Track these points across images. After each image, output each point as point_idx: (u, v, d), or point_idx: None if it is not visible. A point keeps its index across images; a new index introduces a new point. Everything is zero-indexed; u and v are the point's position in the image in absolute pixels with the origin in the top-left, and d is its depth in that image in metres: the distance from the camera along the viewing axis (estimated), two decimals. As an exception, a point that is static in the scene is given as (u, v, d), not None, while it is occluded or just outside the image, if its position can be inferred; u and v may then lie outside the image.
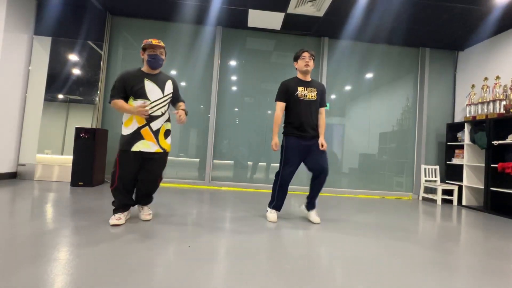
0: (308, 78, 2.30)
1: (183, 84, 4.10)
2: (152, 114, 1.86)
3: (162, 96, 1.90)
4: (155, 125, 1.87)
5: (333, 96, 4.24)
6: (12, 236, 1.56)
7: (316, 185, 2.27)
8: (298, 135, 2.21)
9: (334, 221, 2.40)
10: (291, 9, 3.43)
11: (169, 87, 1.96)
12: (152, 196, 2.10)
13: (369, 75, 4.30)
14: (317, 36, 4.17)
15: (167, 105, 1.95)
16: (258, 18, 3.71)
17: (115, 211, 1.94)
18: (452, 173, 3.96)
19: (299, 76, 2.30)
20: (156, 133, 1.88)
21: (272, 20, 3.74)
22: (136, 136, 1.84)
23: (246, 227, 2.04)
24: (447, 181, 3.97)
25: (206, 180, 3.95)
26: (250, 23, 3.89)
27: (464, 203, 3.67)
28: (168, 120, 2.00)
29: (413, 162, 4.26)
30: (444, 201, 3.89)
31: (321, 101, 2.31)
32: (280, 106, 2.26)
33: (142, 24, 4.01)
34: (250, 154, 4.15)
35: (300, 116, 2.20)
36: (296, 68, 2.31)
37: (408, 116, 4.31)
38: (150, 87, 1.86)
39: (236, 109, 4.13)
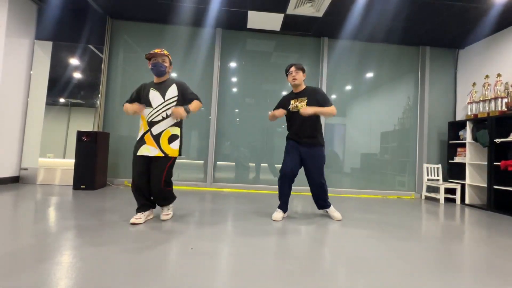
0: (300, 89, 2.39)
1: (183, 86, 4.11)
2: (153, 120, 1.97)
3: (163, 101, 1.99)
4: (155, 129, 1.97)
5: (334, 96, 4.24)
6: (15, 239, 1.56)
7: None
8: (296, 140, 2.37)
9: (337, 221, 2.39)
10: (290, 10, 3.44)
11: (172, 91, 2.03)
12: (168, 199, 2.14)
13: (369, 75, 4.29)
14: (317, 36, 4.18)
15: (170, 109, 2.00)
16: (257, 19, 3.72)
17: (137, 210, 2.06)
18: (455, 171, 3.94)
19: (293, 89, 2.44)
20: (156, 137, 1.96)
21: (272, 21, 3.75)
22: (141, 141, 1.99)
23: (251, 228, 2.04)
24: (449, 180, 3.95)
25: (208, 181, 3.95)
26: (250, 25, 3.90)
27: (467, 201, 3.65)
28: (175, 125, 2.04)
29: (415, 161, 4.24)
30: (447, 200, 3.87)
31: (322, 103, 2.29)
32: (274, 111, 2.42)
33: (142, 27, 4.03)
34: (252, 155, 4.15)
35: (293, 126, 2.37)
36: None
37: (409, 115, 4.30)
38: (153, 95, 2.00)
39: (237, 110, 4.14)
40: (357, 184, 4.17)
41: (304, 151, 2.33)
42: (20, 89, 3.57)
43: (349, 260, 1.52)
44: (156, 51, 1.98)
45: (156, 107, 1.98)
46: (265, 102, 4.19)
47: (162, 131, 1.97)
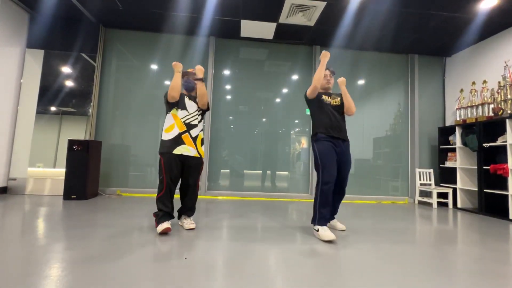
0: (330, 91, 2.38)
1: (177, 94, 4.10)
2: (191, 122, 2.15)
3: (197, 108, 2.21)
4: (193, 132, 2.14)
5: (326, 103, 4.29)
6: (2, 252, 1.51)
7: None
8: (331, 136, 2.14)
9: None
10: (282, 19, 3.51)
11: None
12: (195, 207, 2.26)
13: (360, 82, 4.38)
14: (309, 44, 4.26)
15: (201, 116, 2.24)
16: (250, 28, 3.78)
17: (162, 220, 2.04)
18: (446, 176, 4.01)
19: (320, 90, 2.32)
20: (194, 139, 2.14)
21: (265, 30, 3.81)
22: (179, 141, 2.08)
23: (245, 237, 2.02)
24: (441, 184, 4.01)
25: (202, 189, 3.92)
26: (243, 33, 3.96)
27: (459, 205, 3.70)
28: (202, 130, 2.26)
29: (408, 166, 4.30)
30: (439, 204, 3.91)
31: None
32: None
33: (135, 36, 4.04)
34: (246, 163, 4.14)
35: (327, 119, 2.17)
36: None
37: (400, 121, 4.38)
38: (189, 103, 2.21)
39: (231, 117, 4.15)
40: (351, 190, 4.19)
41: (339, 148, 2.13)
42: (10, 98, 3.51)
43: (344, 265, 1.51)
44: (189, 70, 2.28)
45: (192, 112, 2.17)
46: (258, 110, 4.21)
47: (198, 134, 2.18)
